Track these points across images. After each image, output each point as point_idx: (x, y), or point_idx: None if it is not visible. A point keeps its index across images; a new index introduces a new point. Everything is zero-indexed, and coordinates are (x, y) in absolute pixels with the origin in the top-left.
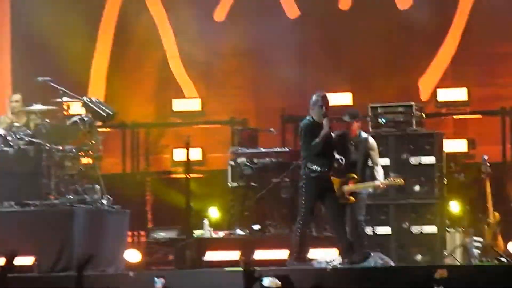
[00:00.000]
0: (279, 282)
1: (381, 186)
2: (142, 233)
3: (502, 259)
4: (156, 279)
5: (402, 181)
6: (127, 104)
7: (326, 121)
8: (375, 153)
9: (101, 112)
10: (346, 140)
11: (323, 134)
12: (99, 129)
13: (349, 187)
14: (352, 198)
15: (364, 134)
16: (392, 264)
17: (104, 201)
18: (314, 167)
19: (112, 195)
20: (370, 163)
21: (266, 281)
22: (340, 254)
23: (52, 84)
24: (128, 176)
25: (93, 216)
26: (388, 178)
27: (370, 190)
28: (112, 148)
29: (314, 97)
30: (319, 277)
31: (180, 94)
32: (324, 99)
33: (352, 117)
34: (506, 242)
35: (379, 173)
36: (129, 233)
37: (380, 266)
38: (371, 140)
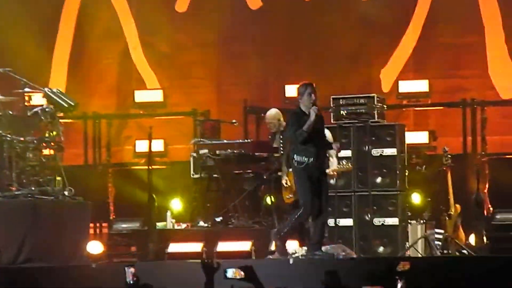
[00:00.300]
0: (243, 273)
1: (331, 173)
2: (105, 224)
3: (463, 251)
4: (126, 268)
5: (350, 166)
6: (88, 95)
7: (314, 110)
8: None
9: (63, 103)
10: None
11: (310, 122)
12: (61, 120)
13: None
14: None
15: None
16: (355, 255)
17: (66, 193)
18: (301, 158)
19: (74, 186)
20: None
21: (230, 272)
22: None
23: (13, 74)
24: (90, 168)
25: (55, 208)
26: (338, 165)
27: (332, 181)
28: (74, 139)
29: (300, 87)
30: (282, 269)
31: (142, 86)
32: (312, 87)
33: None
34: (467, 234)
35: (333, 163)
36: (91, 224)
37: (342, 258)
38: (327, 133)
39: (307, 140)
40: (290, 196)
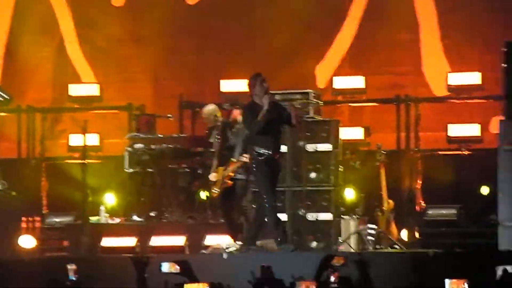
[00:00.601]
0: (179, 267)
1: (232, 163)
2: (37, 218)
3: (396, 246)
4: (68, 266)
5: (247, 158)
6: (23, 89)
7: (266, 98)
8: None
9: None
10: (226, 128)
11: (263, 111)
12: None
13: (227, 170)
14: (229, 182)
15: None
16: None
17: None
18: (262, 151)
19: (7, 180)
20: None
21: (165, 266)
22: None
23: None
24: (24, 161)
25: None
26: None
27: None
28: (7, 132)
29: (251, 79)
30: (216, 264)
31: (78, 80)
32: (262, 76)
33: (232, 104)
34: (399, 230)
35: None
36: (24, 218)
37: (277, 252)
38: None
39: (265, 131)
40: (216, 190)
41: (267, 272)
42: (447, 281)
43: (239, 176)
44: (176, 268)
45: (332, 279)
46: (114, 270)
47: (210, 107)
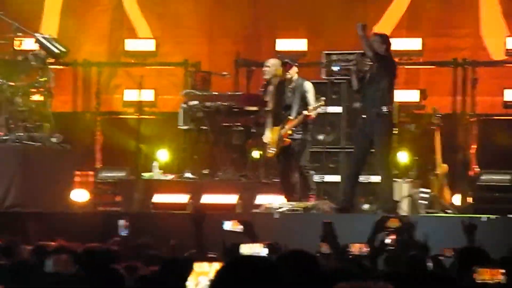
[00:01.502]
0: (242, 226)
1: (308, 113)
2: (91, 173)
3: (448, 211)
4: (119, 221)
5: (323, 101)
6: (79, 42)
7: None
8: (311, 96)
9: (54, 49)
10: (283, 86)
11: None
12: (51, 67)
13: (285, 129)
14: (288, 140)
15: (301, 79)
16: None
17: (54, 139)
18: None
19: (62, 133)
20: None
21: (228, 224)
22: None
23: (5, 18)
24: (79, 115)
25: (42, 154)
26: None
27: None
28: (63, 86)
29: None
30: (268, 224)
31: (134, 34)
32: None
33: (292, 60)
34: (452, 194)
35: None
36: (78, 172)
37: (329, 214)
38: (308, 84)
39: None
40: (273, 149)
41: (329, 227)
42: None
43: (296, 136)
44: (239, 227)
45: (388, 241)
46: (168, 226)
47: (276, 60)
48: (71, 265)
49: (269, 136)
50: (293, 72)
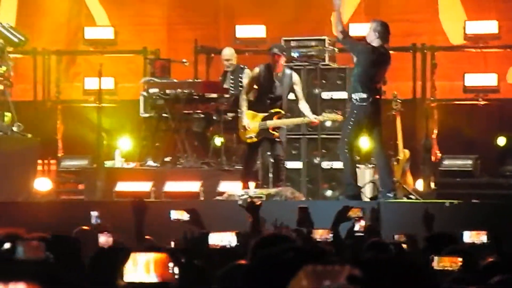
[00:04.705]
0: (188, 215)
1: (316, 122)
2: (53, 161)
3: (411, 196)
4: (91, 212)
5: (340, 116)
6: (38, 31)
7: None
8: (299, 88)
9: (13, 37)
10: (271, 73)
11: None
12: (10, 55)
13: (274, 121)
14: (276, 133)
15: (288, 70)
16: (303, 198)
17: (15, 129)
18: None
19: (23, 122)
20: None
21: (174, 214)
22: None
23: None
24: (39, 104)
25: (3, 144)
26: (323, 114)
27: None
28: (23, 74)
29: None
30: (231, 211)
31: (92, 22)
32: None
33: (280, 50)
34: (414, 180)
35: (305, 107)
36: (40, 161)
37: (290, 200)
38: (296, 76)
39: None
40: (252, 136)
41: (304, 212)
42: (466, 233)
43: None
44: (185, 215)
45: (357, 227)
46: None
47: (231, 49)
48: (42, 251)
49: (248, 122)
50: (282, 61)
